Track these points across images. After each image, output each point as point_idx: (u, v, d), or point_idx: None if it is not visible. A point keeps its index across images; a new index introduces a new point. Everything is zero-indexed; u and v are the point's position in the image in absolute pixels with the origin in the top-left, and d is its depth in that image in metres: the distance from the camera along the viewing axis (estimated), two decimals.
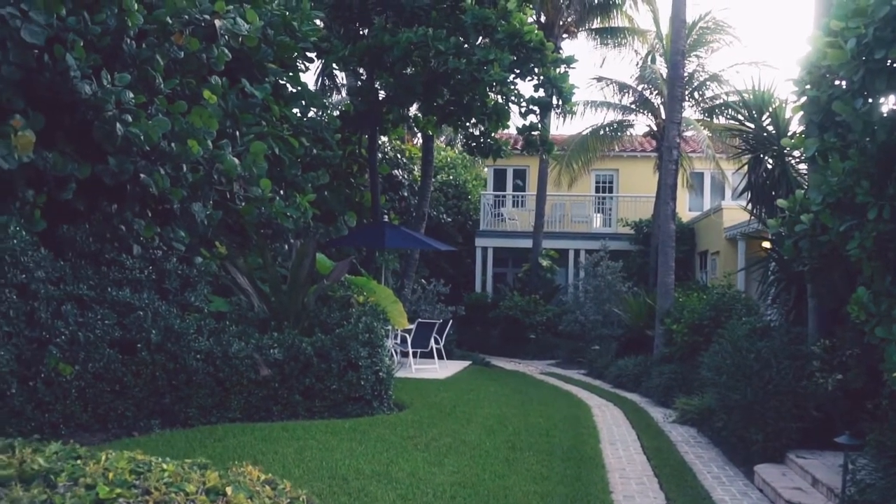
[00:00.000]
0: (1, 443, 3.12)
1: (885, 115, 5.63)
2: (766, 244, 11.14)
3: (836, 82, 6.29)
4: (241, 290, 10.90)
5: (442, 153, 28.35)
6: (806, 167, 9.38)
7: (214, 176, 9.82)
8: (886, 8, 4.85)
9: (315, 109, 15.29)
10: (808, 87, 6.53)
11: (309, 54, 13.95)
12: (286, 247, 13.37)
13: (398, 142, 23.38)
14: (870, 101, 5.70)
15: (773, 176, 10.28)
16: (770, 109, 10.49)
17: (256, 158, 10.28)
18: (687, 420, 10.75)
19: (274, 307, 10.80)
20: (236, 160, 9.99)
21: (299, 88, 13.54)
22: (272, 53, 12.12)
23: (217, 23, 9.48)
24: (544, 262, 22.78)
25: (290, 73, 13.27)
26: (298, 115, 13.85)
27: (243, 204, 10.81)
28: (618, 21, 23.73)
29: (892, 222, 5.89)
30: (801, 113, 6.89)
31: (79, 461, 2.96)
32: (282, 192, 12.83)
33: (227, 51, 10.15)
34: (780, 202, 8.03)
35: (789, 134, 9.76)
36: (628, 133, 24.03)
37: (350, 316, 10.70)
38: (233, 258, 11.10)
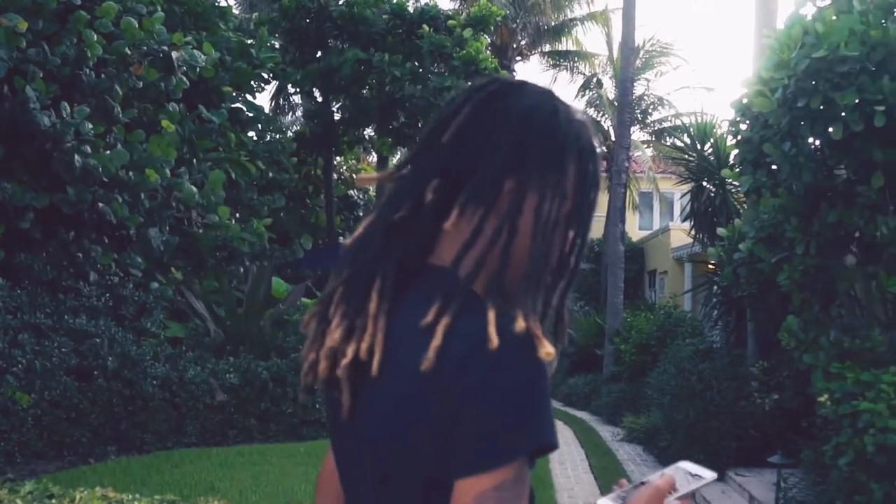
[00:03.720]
0: None
1: (809, 157, 6.03)
2: (711, 266, 11.57)
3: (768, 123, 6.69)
4: (197, 315, 11.02)
5: None
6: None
7: (172, 203, 9.96)
8: (807, 61, 5.24)
9: (271, 132, 15.48)
10: (742, 127, 6.92)
11: (264, 75, 14.16)
12: (242, 270, 13.51)
13: (354, 162, 23.60)
14: (798, 142, 6.09)
15: (714, 204, 10.72)
16: (712, 140, 10.93)
17: (215, 187, 10.45)
18: (634, 438, 11.10)
19: (230, 332, 10.93)
20: (195, 188, 10.15)
21: (255, 112, 13.73)
22: (228, 78, 12.30)
23: (174, 54, 9.66)
24: None
25: (247, 97, 13.46)
26: (255, 138, 14.03)
27: (201, 230, 10.96)
28: (569, 45, 24.29)
29: (817, 257, 6.29)
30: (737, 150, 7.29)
31: (53, 500, 3.15)
32: (237, 215, 12.98)
33: (185, 79, 10.32)
34: (720, 231, 8.43)
35: (730, 164, 10.18)
36: None
37: (306, 340, 10.85)
38: (189, 283, 11.22)
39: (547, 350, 1.10)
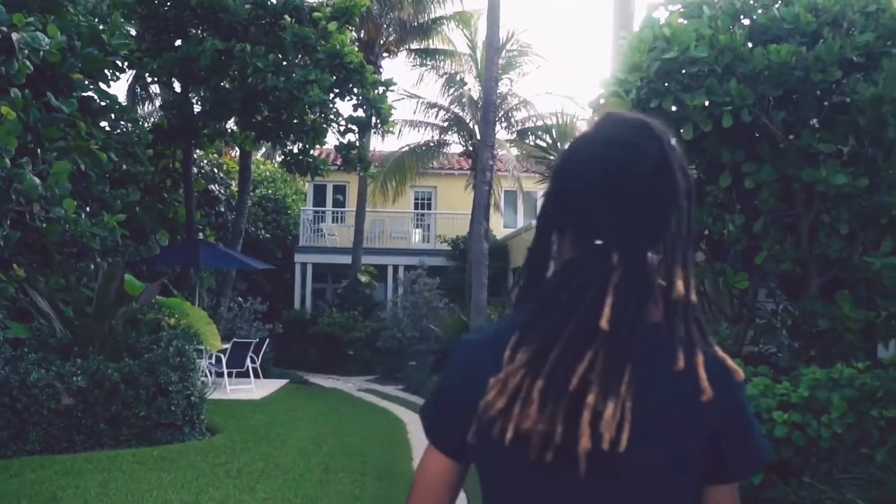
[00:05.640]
0: None
1: None
2: None
3: None
4: (42, 315, 10.38)
5: (261, 167, 27.97)
6: None
7: (13, 196, 9.32)
8: (658, 64, 5.39)
9: (125, 123, 14.75)
10: None
11: (119, 63, 13.48)
12: (92, 267, 12.82)
13: (215, 155, 22.89)
14: None
15: None
16: (572, 139, 11.17)
17: (59, 178, 9.84)
18: None
19: (78, 332, 10.36)
20: (37, 180, 9.53)
21: (109, 102, 13.06)
22: (79, 65, 11.63)
23: (14, 36, 9.03)
24: (363, 279, 22.96)
25: (100, 85, 12.77)
26: (108, 128, 13.34)
27: (44, 225, 10.31)
28: (436, 43, 24.38)
29: None
30: None
31: None
32: (88, 209, 12.31)
33: (28, 63, 9.67)
34: None
35: None
36: (445, 151, 24.68)
37: (161, 339, 10.42)
38: (32, 280, 10.55)
39: None
